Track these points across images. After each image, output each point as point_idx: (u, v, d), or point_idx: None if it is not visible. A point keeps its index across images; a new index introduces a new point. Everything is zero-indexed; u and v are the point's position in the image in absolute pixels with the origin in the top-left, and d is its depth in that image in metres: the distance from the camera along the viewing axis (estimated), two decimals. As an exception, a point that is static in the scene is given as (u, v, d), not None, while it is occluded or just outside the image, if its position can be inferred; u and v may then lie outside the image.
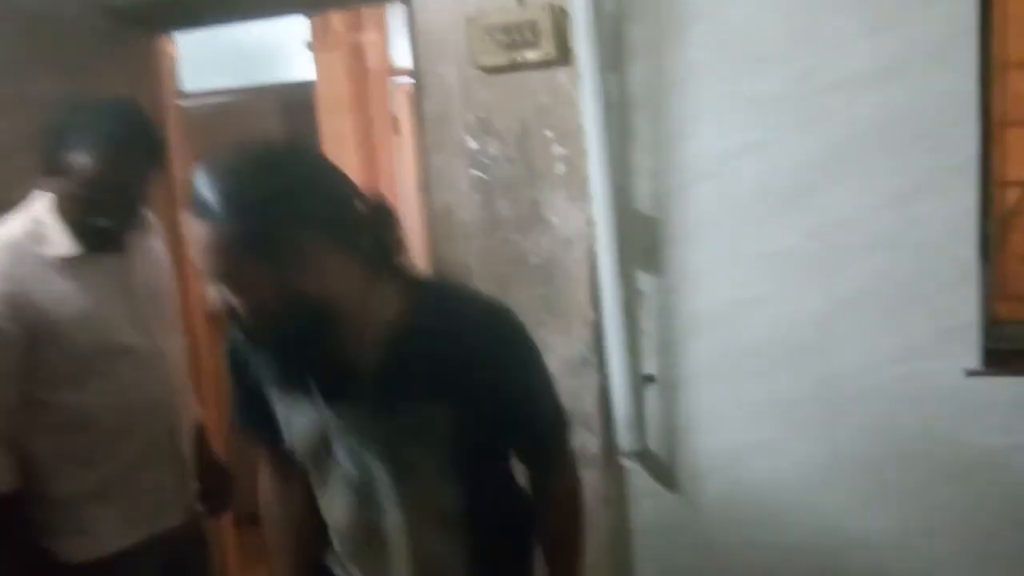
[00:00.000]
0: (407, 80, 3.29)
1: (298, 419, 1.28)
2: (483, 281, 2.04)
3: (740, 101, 1.94)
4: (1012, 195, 2.13)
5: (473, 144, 2.00)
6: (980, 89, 1.82)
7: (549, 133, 1.95)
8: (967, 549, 1.95)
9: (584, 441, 2.04)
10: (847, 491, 2.01)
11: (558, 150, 1.95)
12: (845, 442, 1.99)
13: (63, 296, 1.62)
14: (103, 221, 1.62)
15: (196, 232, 1.07)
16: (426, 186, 2.11)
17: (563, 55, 1.92)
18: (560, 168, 1.96)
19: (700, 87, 1.96)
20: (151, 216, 1.86)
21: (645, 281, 2.06)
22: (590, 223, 1.96)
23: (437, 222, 2.09)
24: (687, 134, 1.98)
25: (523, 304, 2.01)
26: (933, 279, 1.89)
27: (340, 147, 3.38)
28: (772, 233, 1.96)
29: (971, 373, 1.90)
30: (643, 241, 2.04)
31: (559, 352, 2.02)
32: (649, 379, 2.09)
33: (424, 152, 2.09)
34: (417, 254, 2.00)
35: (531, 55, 1.92)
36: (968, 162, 1.84)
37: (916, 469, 1.96)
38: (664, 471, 2.11)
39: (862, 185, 1.90)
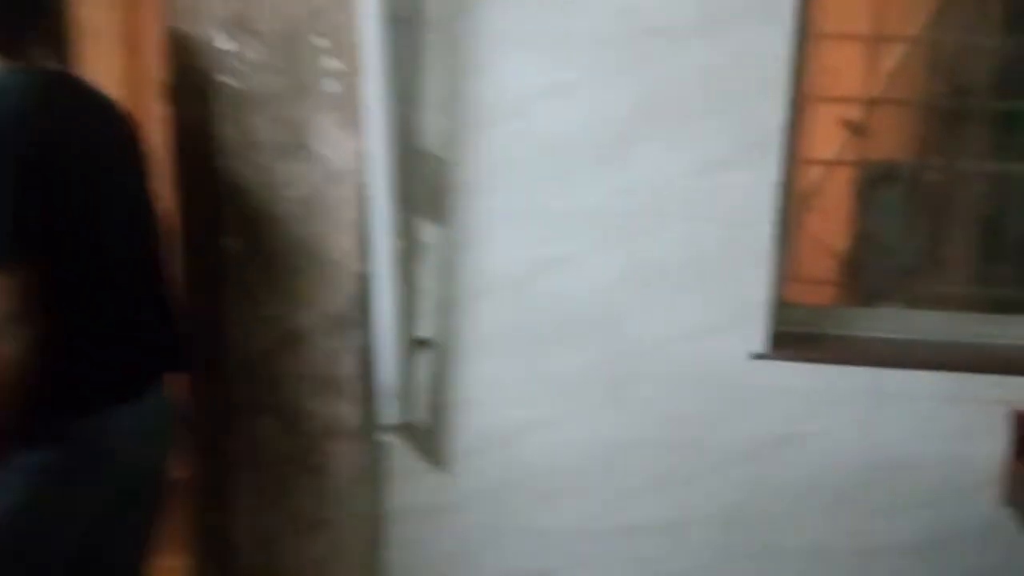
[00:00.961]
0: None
1: None
2: (233, 213, 1.69)
3: (549, 36, 1.71)
4: (812, 174, 2.06)
5: (227, 45, 1.64)
6: (793, 58, 1.70)
7: (321, 42, 1.62)
8: (739, 538, 1.87)
9: (342, 411, 1.76)
10: (625, 475, 1.86)
11: (331, 63, 1.63)
12: (628, 423, 1.84)
13: None
14: None
15: None
16: (170, 93, 1.71)
17: (345, -52, 1.60)
18: (332, 86, 1.64)
19: (507, 14, 1.70)
20: None
21: (426, 231, 1.79)
22: (363, 156, 1.66)
23: (183, 137, 1.71)
24: (487, 66, 1.72)
25: (278, 245, 1.70)
26: (729, 255, 1.77)
27: (100, 42, 2.83)
28: (573, 188, 1.76)
29: (756, 356, 1.80)
30: (426, 184, 1.77)
31: (318, 306, 1.71)
32: (423, 343, 1.83)
33: (168, 51, 1.70)
34: (162, 173, 1.62)
35: (306, -59, 1.59)
36: (774, 134, 1.72)
37: (695, 455, 1.84)
38: (431, 448, 1.87)
39: (670, 145, 1.74)
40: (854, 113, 2.01)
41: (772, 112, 1.71)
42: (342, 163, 1.67)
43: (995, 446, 1.79)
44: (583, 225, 1.77)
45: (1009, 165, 1.94)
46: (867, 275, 2.01)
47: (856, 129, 1.99)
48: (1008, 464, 1.78)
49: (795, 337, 1.87)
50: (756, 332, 1.79)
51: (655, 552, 1.88)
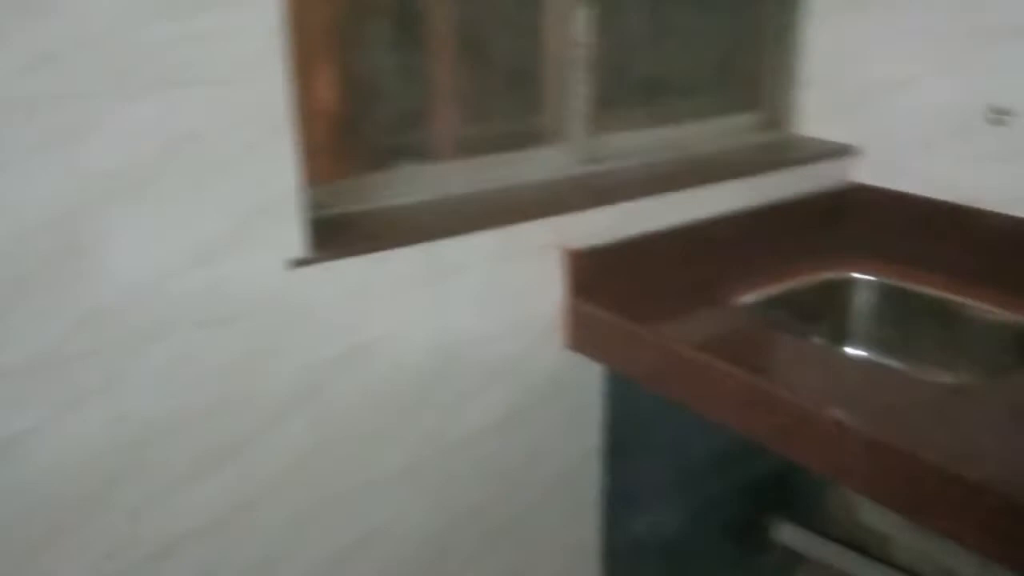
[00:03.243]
0: None
1: None
2: None
3: None
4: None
5: None
6: None
7: None
8: (317, 491, 1.48)
9: None
10: (158, 471, 1.30)
11: None
12: (143, 402, 1.26)
13: None
14: None
15: None
16: None
17: None
18: None
19: None
20: None
21: None
22: None
23: None
24: None
25: None
26: (231, 132, 1.25)
27: None
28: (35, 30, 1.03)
29: (295, 263, 1.36)
30: None
31: None
32: None
33: None
34: None
35: None
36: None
37: (246, 412, 1.36)
38: None
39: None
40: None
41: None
42: None
43: (555, 292, 1.66)
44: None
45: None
46: (370, 131, 1.67)
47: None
48: (566, 305, 1.67)
49: (327, 227, 1.45)
50: (288, 232, 1.33)
51: (213, 559, 1.39)
